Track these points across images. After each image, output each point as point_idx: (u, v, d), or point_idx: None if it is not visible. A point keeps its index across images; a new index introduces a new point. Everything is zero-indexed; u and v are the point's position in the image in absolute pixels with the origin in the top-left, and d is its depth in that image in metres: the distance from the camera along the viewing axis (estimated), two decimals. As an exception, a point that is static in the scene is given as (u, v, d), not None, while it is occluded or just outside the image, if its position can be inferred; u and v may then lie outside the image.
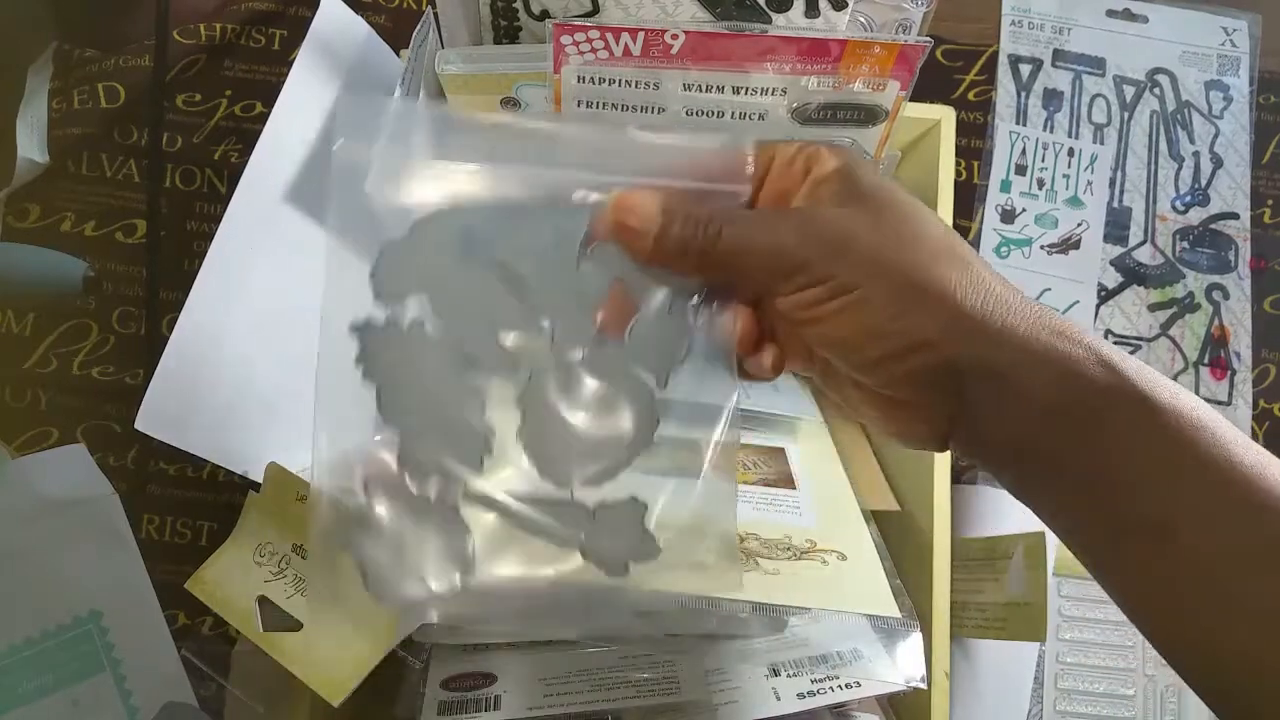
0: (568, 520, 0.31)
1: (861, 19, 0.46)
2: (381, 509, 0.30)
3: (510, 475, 0.31)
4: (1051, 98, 0.67)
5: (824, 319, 0.29)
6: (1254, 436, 0.63)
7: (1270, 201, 0.66)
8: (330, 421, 0.31)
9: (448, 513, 0.31)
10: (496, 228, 0.32)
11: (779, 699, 0.44)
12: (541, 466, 0.31)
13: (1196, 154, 0.67)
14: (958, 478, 0.55)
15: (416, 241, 0.31)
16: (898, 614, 0.44)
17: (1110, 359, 0.28)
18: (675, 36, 0.40)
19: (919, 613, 0.47)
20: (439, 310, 0.31)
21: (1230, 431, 0.27)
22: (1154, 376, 0.28)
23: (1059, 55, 0.67)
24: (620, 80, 0.42)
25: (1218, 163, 0.66)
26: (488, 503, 0.31)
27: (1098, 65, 0.67)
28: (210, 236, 0.40)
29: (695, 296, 0.32)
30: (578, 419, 0.32)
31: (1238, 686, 0.26)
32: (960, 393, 0.28)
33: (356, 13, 0.48)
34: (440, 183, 0.31)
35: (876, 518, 0.51)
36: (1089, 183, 0.66)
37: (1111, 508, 0.27)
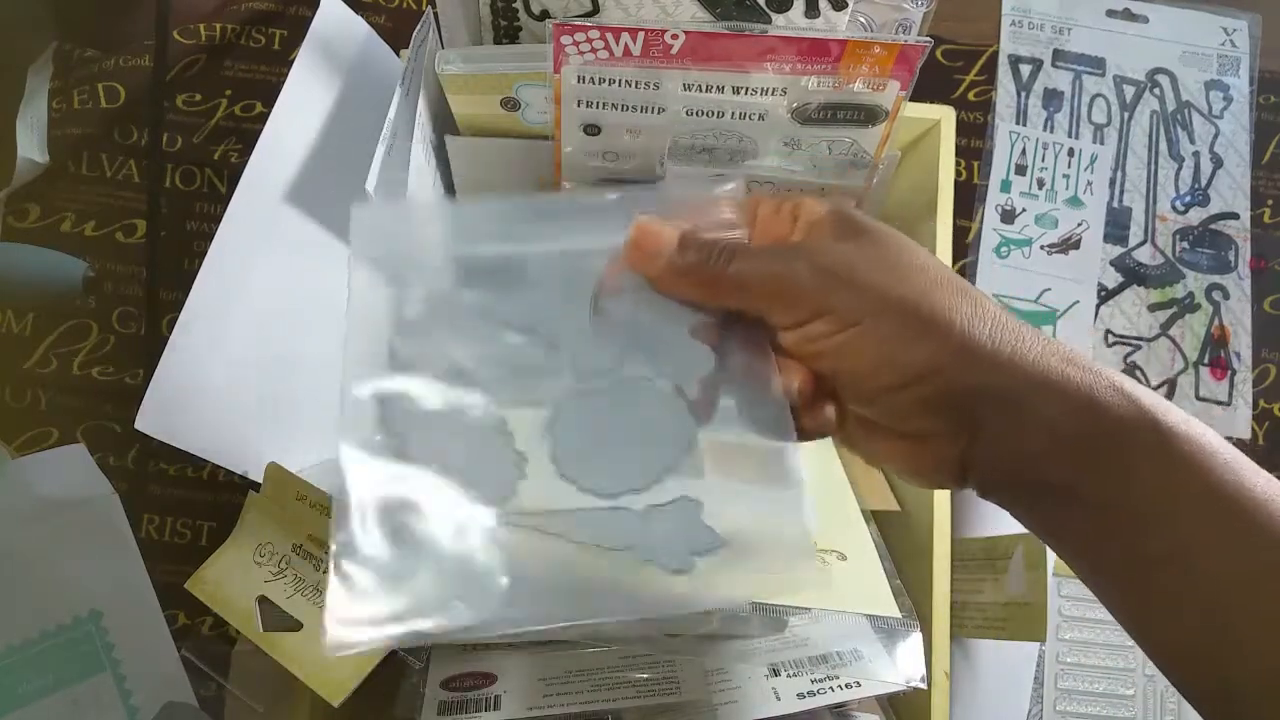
0: (618, 529, 0.31)
1: (861, 19, 0.46)
2: (407, 526, 0.29)
3: (542, 501, 0.31)
4: (1051, 98, 0.67)
5: (831, 351, 0.29)
6: (1254, 436, 0.63)
7: (1270, 201, 0.66)
8: (356, 448, 0.30)
9: (475, 536, 0.30)
10: (508, 290, 0.34)
11: (779, 699, 0.44)
12: (581, 482, 0.31)
13: (1196, 154, 0.67)
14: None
15: (432, 316, 0.33)
16: (898, 614, 0.44)
17: (1122, 387, 0.28)
18: (675, 36, 0.40)
19: (919, 613, 0.47)
20: (458, 370, 0.32)
21: (1241, 459, 0.27)
22: (1165, 405, 0.28)
23: (1059, 55, 0.67)
24: (620, 80, 0.42)
25: (1218, 163, 0.66)
26: (527, 521, 0.30)
27: (1098, 65, 0.67)
28: (210, 236, 0.40)
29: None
30: (608, 434, 0.32)
31: (1247, 714, 0.26)
32: (972, 421, 0.28)
33: (356, 13, 0.48)
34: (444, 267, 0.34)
35: (876, 518, 0.51)
36: (1089, 183, 0.66)
37: (1122, 535, 0.27)
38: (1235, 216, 0.66)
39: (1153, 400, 0.28)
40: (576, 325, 0.33)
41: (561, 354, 0.33)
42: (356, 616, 0.27)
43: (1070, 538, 0.29)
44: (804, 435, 0.32)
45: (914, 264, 0.29)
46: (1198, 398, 0.63)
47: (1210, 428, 0.28)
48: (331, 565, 0.28)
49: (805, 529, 0.31)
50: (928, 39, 0.41)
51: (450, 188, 0.51)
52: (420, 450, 0.30)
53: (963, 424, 0.28)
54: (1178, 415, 0.27)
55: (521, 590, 0.29)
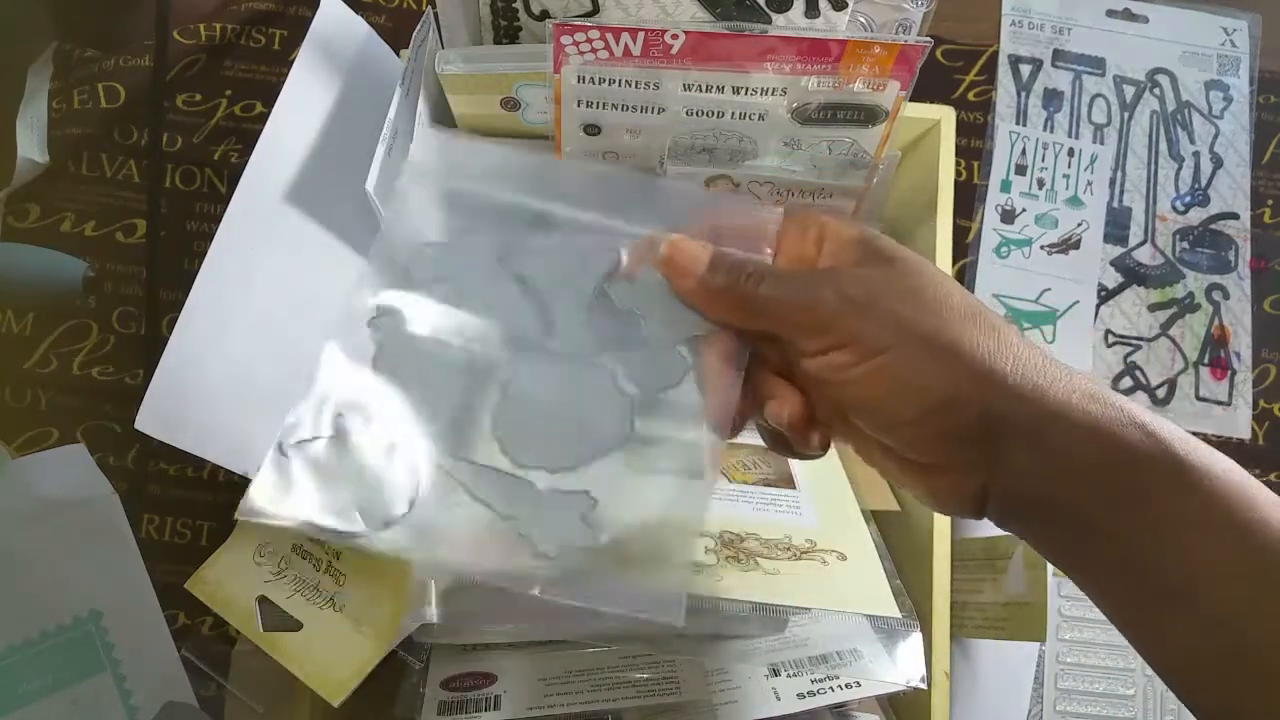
0: (514, 497, 0.32)
1: (861, 19, 0.46)
2: (346, 430, 0.32)
3: (474, 449, 0.32)
4: (1051, 98, 0.67)
5: (854, 381, 0.29)
6: (1254, 436, 0.63)
7: (1270, 201, 0.66)
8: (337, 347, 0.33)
9: (399, 462, 0.32)
10: (527, 248, 0.35)
11: (779, 699, 0.44)
12: (504, 444, 0.32)
13: (1196, 154, 0.67)
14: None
15: (454, 247, 0.35)
16: (898, 614, 0.44)
17: (1144, 422, 0.28)
18: (675, 36, 0.40)
19: (919, 613, 0.47)
20: (459, 299, 0.34)
21: (1263, 494, 0.27)
22: (1187, 439, 0.28)
23: (1059, 55, 0.67)
24: (620, 80, 0.42)
25: (1218, 163, 0.66)
26: (447, 464, 0.32)
27: (1098, 65, 0.67)
28: (210, 236, 0.40)
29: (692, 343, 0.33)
30: (552, 412, 0.33)
31: None
32: (992, 453, 0.28)
33: (356, 13, 0.48)
34: (484, 204, 0.35)
35: (876, 518, 0.51)
36: (1089, 183, 0.66)
37: (1142, 568, 0.27)
38: (1235, 216, 0.66)
39: (1173, 434, 0.28)
40: (578, 301, 0.34)
41: (555, 325, 0.34)
42: (274, 493, 0.30)
43: (1087, 567, 0.29)
44: (794, 455, 0.33)
45: (939, 295, 0.29)
46: (1198, 398, 0.63)
47: (1234, 462, 0.28)
48: (275, 440, 0.31)
49: (697, 521, 0.32)
50: (928, 39, 0.41)
51: (450, 188, 0.51)
52: (393, 366, 0.33)
53: (982, 457, 0.29)
54: (1200, 450, 0.27)
55: (411, 521, 0.31)
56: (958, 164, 0.59)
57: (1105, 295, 0.64)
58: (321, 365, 0.33)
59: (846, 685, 0.44)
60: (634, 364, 0.33)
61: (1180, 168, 0.66)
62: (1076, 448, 0.27)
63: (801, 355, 0.30)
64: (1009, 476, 0.28)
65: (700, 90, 0.42)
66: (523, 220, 0.35)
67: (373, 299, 0.34)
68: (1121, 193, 0.66)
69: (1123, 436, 0.27)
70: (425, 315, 0.34)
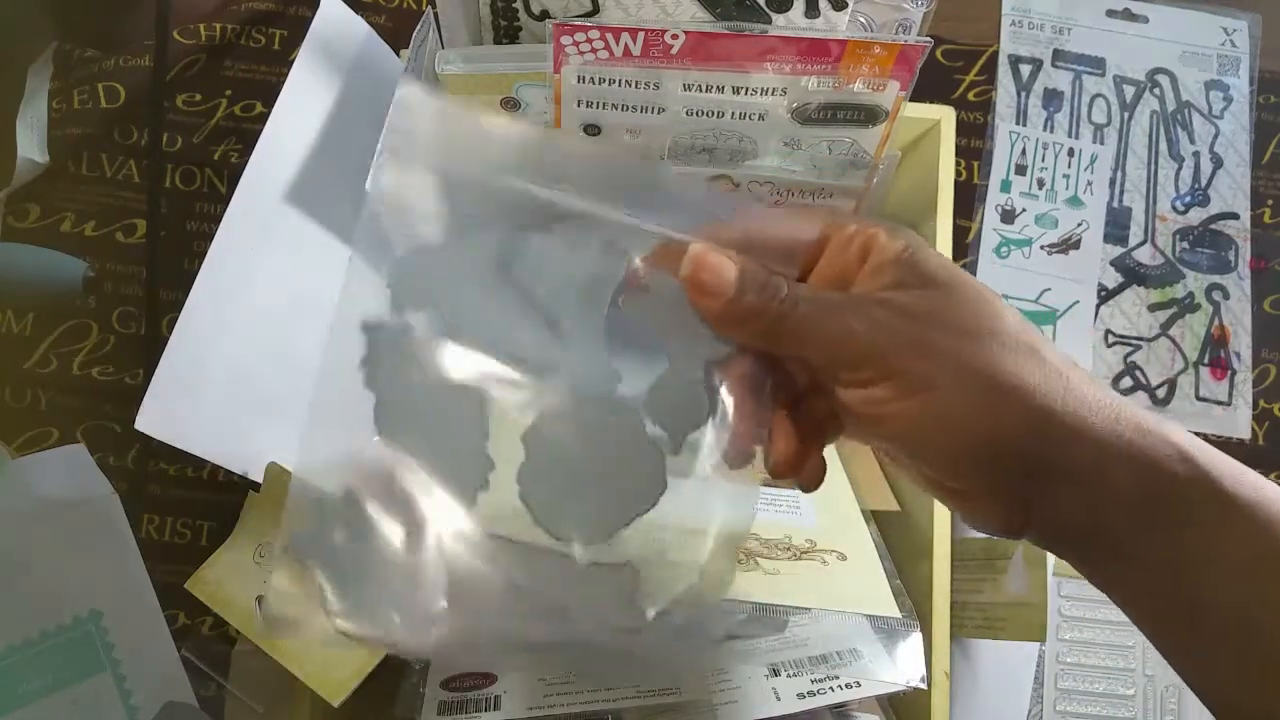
0: (554, 576, 0.29)
1: (861, 19, 0.46)
2: (364, 521, 0.28)
3: (502, 516, 0.29)
4: (1051, 98, 0.67)
5: (894, 415, 0.28)
6: (1254, 436, 0.63)
7: (1270, 201, 0.66)
8: (326, 417, 0.29)
9: (429, 549, 0.29)
10: (529, 251, 0.30)
11: (779, 699, 0.44)
12: (537, 512, 0.29)
13: (1196, 154, 0.67)
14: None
15: (444, 252, 0.30)
16: (898, 614, 0.44)
17: (1190, 453, 0.27)
18: (675, 36, 0.40)
19: (919, 613, 0.47)
20: (456, 326, 0.29)
21: None
22: (1235, 468, 0.27)
23: (1059, 55, 0.67)
24: (620, 80, 0.42)
25: (1218, 163, 0.66)
26: (476, 537, 0.29)
27: (1098, 65, 0.67)
28: (210, 236, 0.40)
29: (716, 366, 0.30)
30: (583, 469, 0.30)
31: None
32: (1037, 487, 0.28)
33: (356, 13, 0.48)
34: (477, 192, 0.30)
35: (876, 518, 0.51)
36: (1089, 183, 0.66)
37: (1193, 600, 0.27)
38: (1235, 216, 0.66)
39: (1221, 465, 0.27)
40: (592, 319, 0.30)
41: (566, 347, 0.30)
42: (295, 604, 0.27)
43: (1128, 592, 0.29)
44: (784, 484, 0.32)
45: (991, 327, 0.28)
46: (1198, 398, 0.63)
47: None
48: (279, 550, 0.27)
49: (730, 577, 0.30)
50: (928, 39, 0.41)
51: (450, 188, 0.51)
52: (394, 424, 0.29)
53: (1026, 490, 0.28)
54: (1249, 480, 0.27)
55: (456, 622, 0.28)
56: (958, 164, 0.59)
57: (1105, 295, 0.64)
58: (306, 445, 0.28)
59: (846, 685, 0.44)
60: (657, 399, 0.30)
61: (1180, 168, 0.66)
62: (1124, 485, 0.27)
63: (837, 383, 0.29)
64: (1052, 509, 0.28)
65: (700, 90, 0.42)
66: (522, 212, 0.30)
67: (357, 338, 0.29)
68: (1121, 193, 0.66)
69: (1170, 471, 0.27)
70: (421, 352, 0.29)
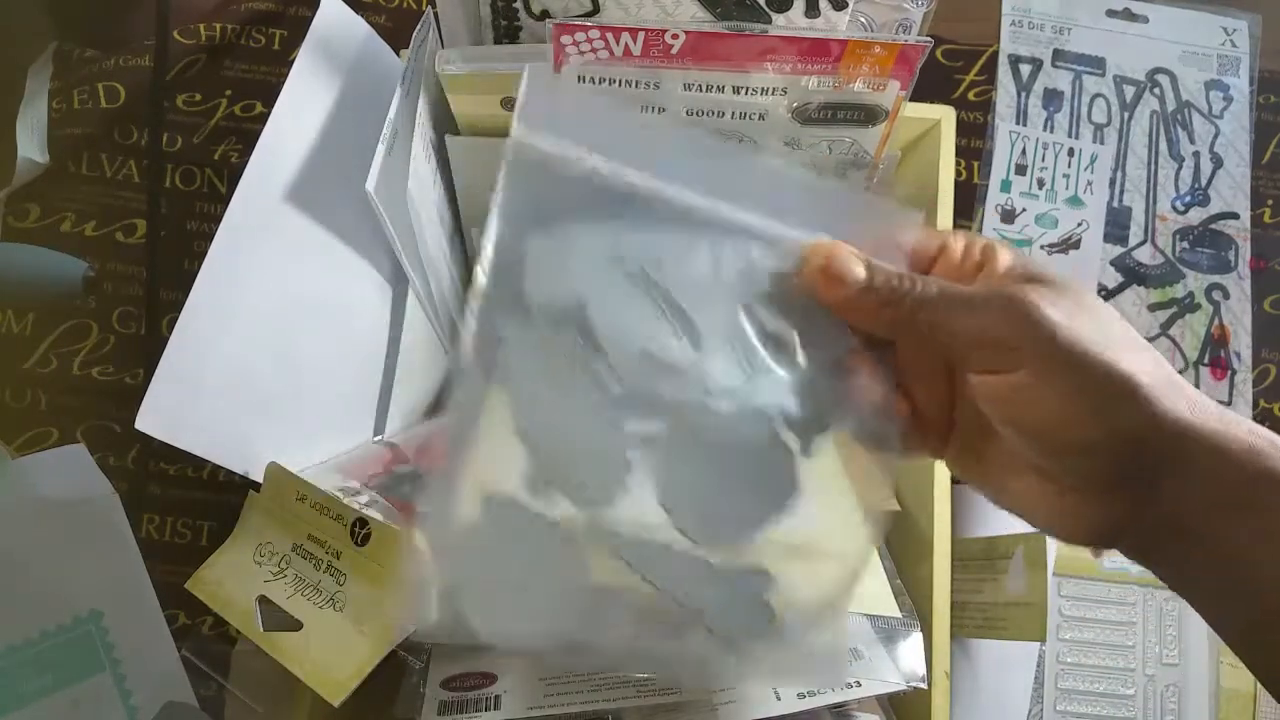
0: (691, 580, 0.29)
1: (861, 19, 0.46)
2: (498, 535, 0.28)
3: (636, 518, 0.29)
4: (1051, 98, 0.67)
5: (1024, 403, 0.29)
6: (1254, 436, 0.63)
7: (1270, 201, 0.66)
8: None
9: (570, 547, 0.28)
10: (653, 247, 0.30)
11: (779, 699, 0.43)
12: (678, 517, 0.29)
13: (1196, 154, 0.67)
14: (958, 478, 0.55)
15: (569, 244, 0.29)
16: (898, 614, 0.44)
17: (1267, 437, 0.28)
18: (675, 36, 0.40)
19: (919, 613, 0.47)
20: (590, 324, 0.29)
21: None
22: None
23: (1059, 55, 0.67)
24: (620, 80, 0.42)
25: (1218, 163, 0.66)
26: (612, 543, 0.28)
27: (1098, 65, 0.67)
28: (210, 236, 0.40)
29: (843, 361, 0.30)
30: (719, 472, 0.30)
31: None
32: (1152, 480, 0.28)
33: (356, 13, 0.48)
34: (593, 187, 0.29)
35: (876, 518, 0.51)
36: (1089, 183, 0.66)
37: (1254, 578, 0.28)
38: (1235, 216, 0.66)
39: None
40: (726, 320, 0.30)
41: (702, 350, 0.29)
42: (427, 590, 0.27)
43: (1224, 603, 0.29)
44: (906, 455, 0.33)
45: (1106, 325, 0.29)
46: (1198, 398, 0.63)
47: None
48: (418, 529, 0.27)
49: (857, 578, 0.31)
50: (928, 39, 0.41)
51: (450, 187, 0.51)
52: (531, 420, 0.28)
53: (1141, 485, 0.28)
54: None
55: (593, 624, 0.28)
56: (958, 164, 0.59)
57: (1105, 295, 0.64)
58: (456, 428, 0.27)
59: (846, 685, 0.44)
60: (790, 404, 0.30)
61: (1180, 168, 0.66)
62: (1239, 481, 0.27)
63: (968, 369, 0.30)
64: (1163, 505, 0.28)
65: (700, 90, 0.42)
66: (639, 208, 0.29)
67: (493, 331, 0.28)
68: (1121, 193, 0.66)
69: (1265, 460, 0.27)
70: (560, 349, 0.28)
